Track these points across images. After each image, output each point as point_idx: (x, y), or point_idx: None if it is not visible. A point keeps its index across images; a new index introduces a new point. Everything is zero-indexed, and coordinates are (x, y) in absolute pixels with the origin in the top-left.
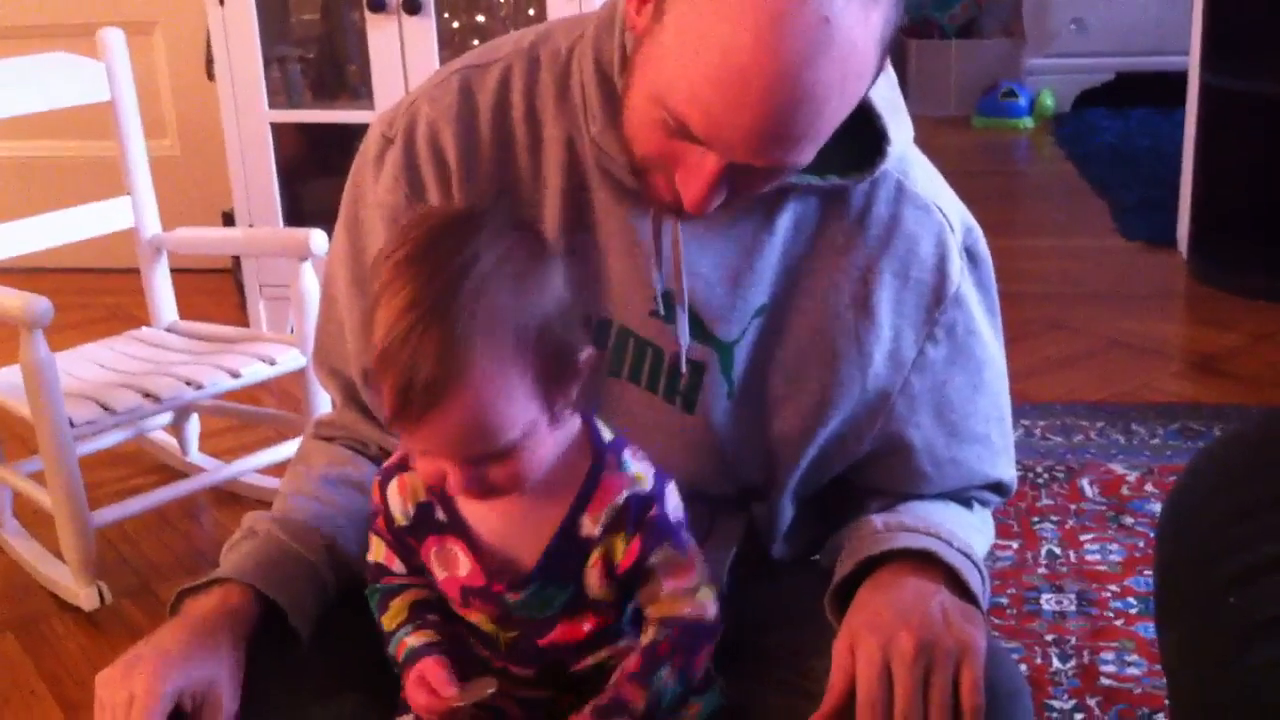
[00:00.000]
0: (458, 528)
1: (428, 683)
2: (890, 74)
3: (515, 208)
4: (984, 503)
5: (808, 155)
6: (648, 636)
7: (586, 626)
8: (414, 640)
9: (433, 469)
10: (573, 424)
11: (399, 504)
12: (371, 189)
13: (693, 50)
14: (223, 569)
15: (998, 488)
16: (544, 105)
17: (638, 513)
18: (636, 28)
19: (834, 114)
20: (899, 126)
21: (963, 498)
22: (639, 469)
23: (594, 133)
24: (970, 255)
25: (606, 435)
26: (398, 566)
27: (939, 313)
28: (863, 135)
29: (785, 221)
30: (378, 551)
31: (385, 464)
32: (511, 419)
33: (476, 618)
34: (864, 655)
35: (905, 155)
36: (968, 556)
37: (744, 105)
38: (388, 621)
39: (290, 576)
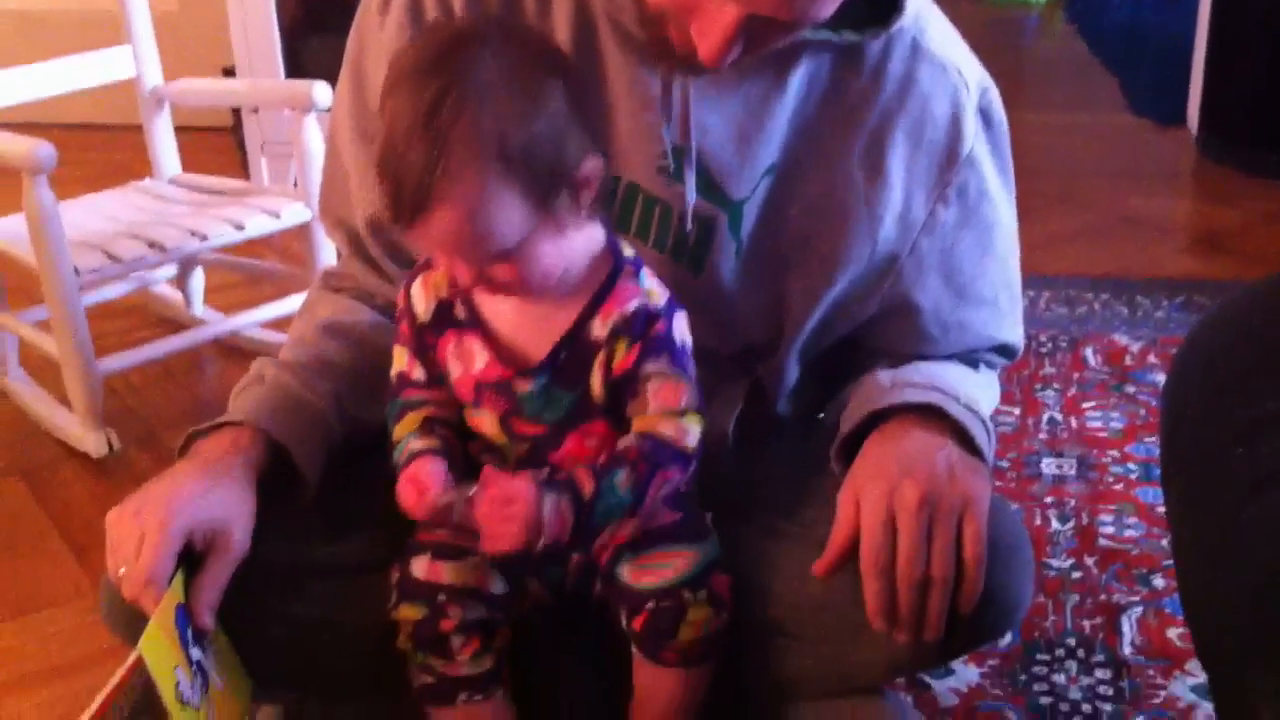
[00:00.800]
0: (476, 323)
1: (419, 481)
2: None
3: (524, 22)
4: (990, 364)
5: (830, 7)
6: (623, 441)
7: (592, 441)
8: (417, 444)
9: (444, 264)
10: (594, 234)
11: (421, 299)
12: (376, 37)
13: None
14: (232, 412)
15: (1004, 350)
16: None
17: (643, 323)
18: None
19: None
20: None
21: (969, 359)
22: (653, 286)
23: None
24: (985, 116)
25: (629, 253)
26: (419, 374)
27: (951, 174)
28: None
29: (797, 80)
30: (400, 360)
31: (415, 265)
32: (500, 228)
33: (488, 425)
34: (868, 504)
35: (921, 12)
36: (974, 412)
37: None
38: (399, 430)
39: (299, 422)
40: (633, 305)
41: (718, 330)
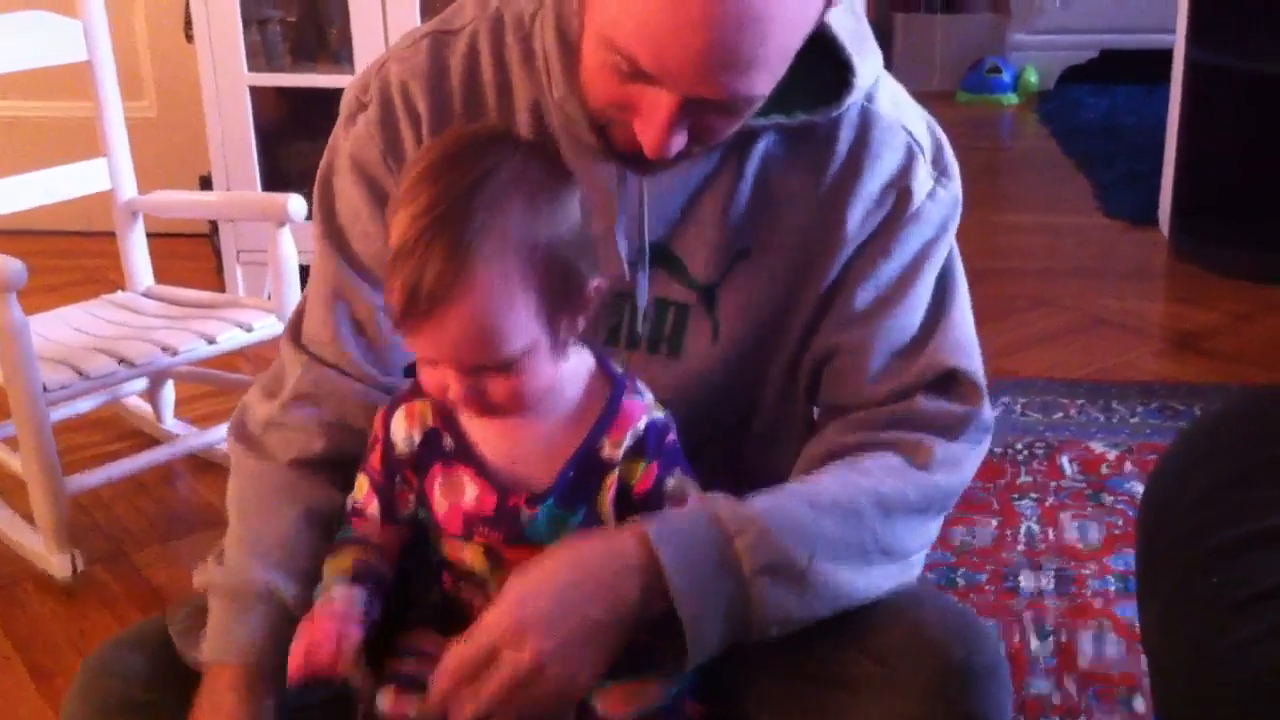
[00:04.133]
0: (466, 455)
1: (334, 634)
2: (855, 7)
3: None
4: (945, 431)
5: (762, 85)
6: None
7: None
8: (339, 594)
9: (435, 379)
10: (584, 357)
11: (403, 431)
12: (345, 150)
13: None
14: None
15: (952, 379)
16: (512, 70)
17: (656, 439)
18: None
19: (782, 36)
20: (865, 57)
21: (910, 444)
22: (651, 398)
23: (557, 98)
24: (939, 173)
25: (617, 368)
26: (373, 510)
27: (898, 228)
28: (828, 68)
29: (754, 161)
30: (360, 489)
31: (395, 395)
32: (512, 332)
33: (470, 556)
34: (486, 624)
35: (873, 80)
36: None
37: (687, 29)
38: (330, 565)
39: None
40: (643, 423)
41: (694, 415)
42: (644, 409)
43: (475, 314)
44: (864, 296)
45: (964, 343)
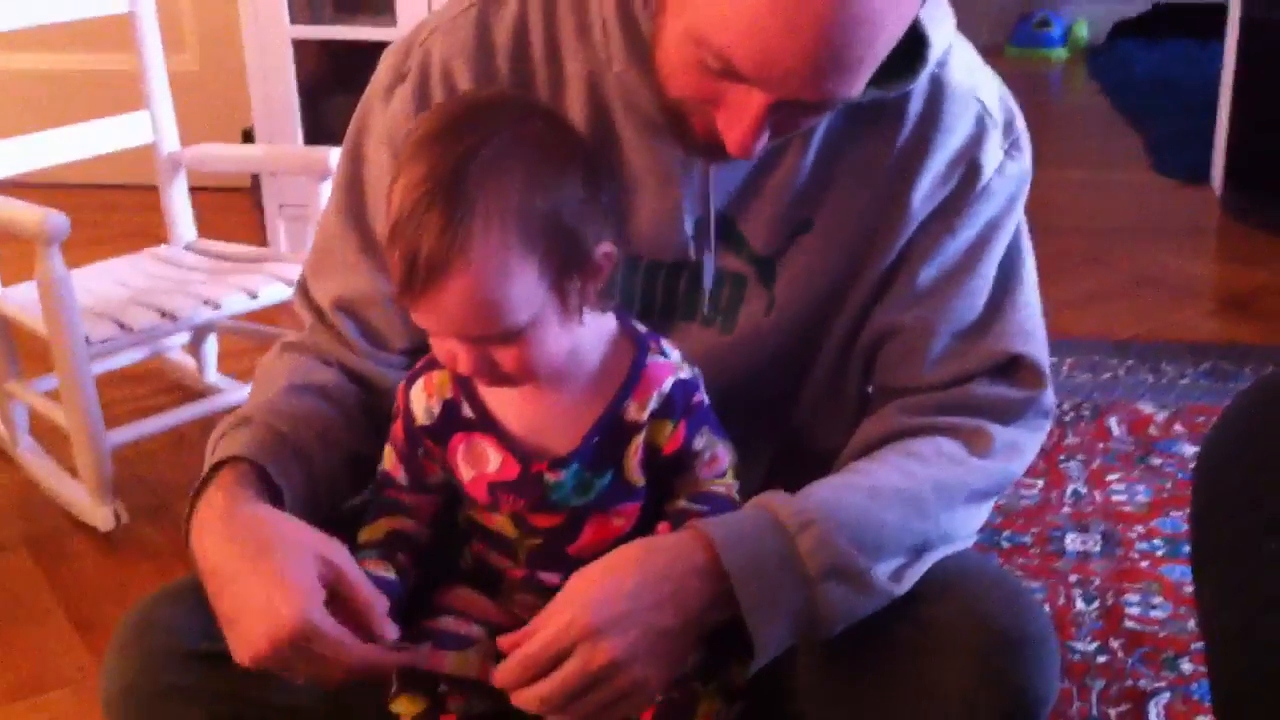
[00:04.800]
0: (486, 423)
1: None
2: None
3: (542, 101)
4: (1001, 413)
5: (860, 86)
6: (677, 505)
7: (620, 521)
8: (372, 569)
9: (444, 348)
10: (606, 321)
11: (423, 402)
12: (378, 119)
13: None
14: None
15: (1014, 365)
16: (565, 41)
17: (683, 399)
18: None
19: (890, 37)
20: (938, 23)
21: (970, 430)
22: (677, 356)
23: (617, 70)
24: (1010, 145)
25: (641, 328)
26: (401, 478)
27: (964, 204)
28: (901, 38)
29: (819, 134)
30: (387, 459)
31: (412, 368)
32: (514, 302)
33: (499, 522)
34: (557, 624)
35: (946, 45)
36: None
37: (796, 37)
38: (361, 535)
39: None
40: (668, 384)
41: (742, 387)
42: (670, 369)
43: (474, 285)
44: (927, 274)
45: (1029, 327)
